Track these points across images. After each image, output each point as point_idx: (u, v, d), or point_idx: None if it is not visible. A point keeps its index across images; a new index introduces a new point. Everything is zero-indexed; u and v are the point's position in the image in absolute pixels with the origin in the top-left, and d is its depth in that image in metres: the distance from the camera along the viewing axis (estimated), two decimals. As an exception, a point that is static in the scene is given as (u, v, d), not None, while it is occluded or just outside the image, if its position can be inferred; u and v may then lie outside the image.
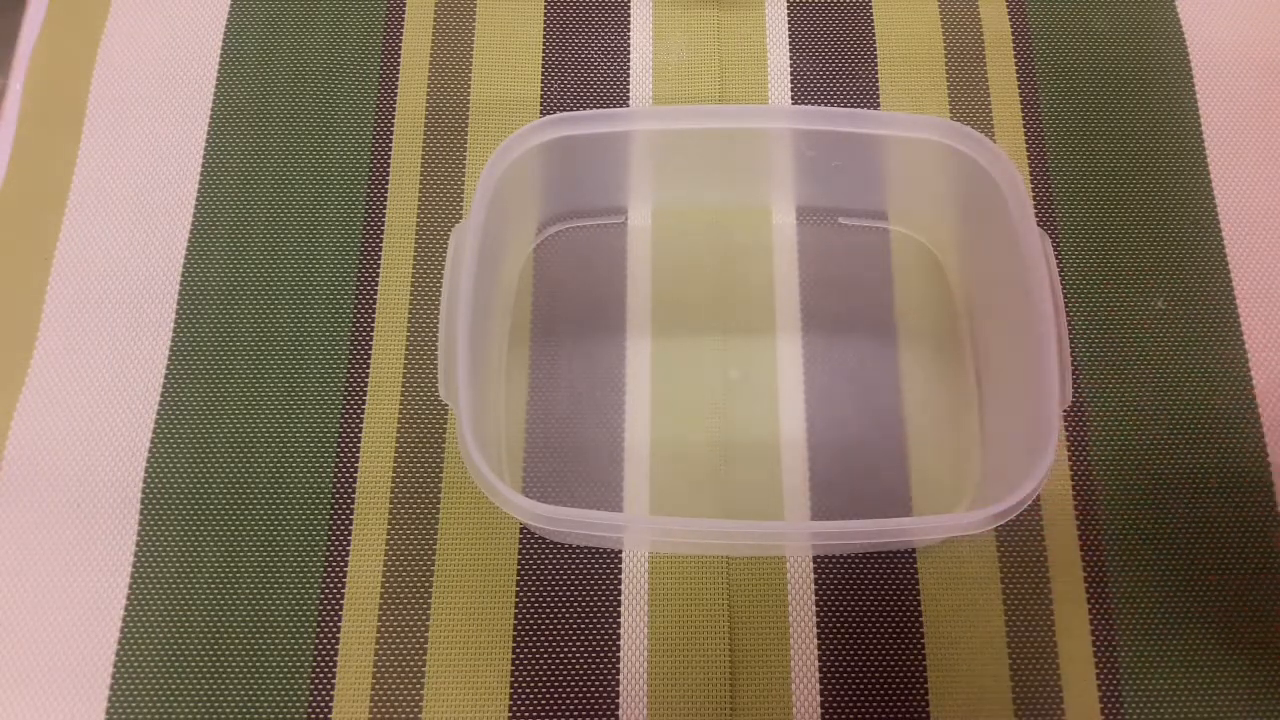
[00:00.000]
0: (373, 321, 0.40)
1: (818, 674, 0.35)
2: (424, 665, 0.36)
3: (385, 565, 0.37)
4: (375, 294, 0.40)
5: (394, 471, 0.38)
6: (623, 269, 0.41)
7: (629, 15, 0.45)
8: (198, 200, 0.42)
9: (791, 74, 0.44)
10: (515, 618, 0.36)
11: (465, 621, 0.36)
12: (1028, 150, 0.42)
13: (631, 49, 0.44)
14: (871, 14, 0.45)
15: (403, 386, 0.39)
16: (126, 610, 0.36)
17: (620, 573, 0.37)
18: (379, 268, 0.41)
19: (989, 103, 0.43)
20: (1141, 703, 0.35)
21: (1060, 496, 0.37)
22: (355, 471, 0.38)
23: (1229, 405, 0.39)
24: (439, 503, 0.37)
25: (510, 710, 0.35)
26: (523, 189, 0.37)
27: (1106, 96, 0.43)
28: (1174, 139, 0.43)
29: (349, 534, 0.37)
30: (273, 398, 0.39)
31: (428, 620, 0.36)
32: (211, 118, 0.43)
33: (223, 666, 0.35)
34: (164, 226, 0.41)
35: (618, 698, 0.35)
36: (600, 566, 0.37)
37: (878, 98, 0.43)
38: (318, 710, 0.35)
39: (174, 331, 0.40)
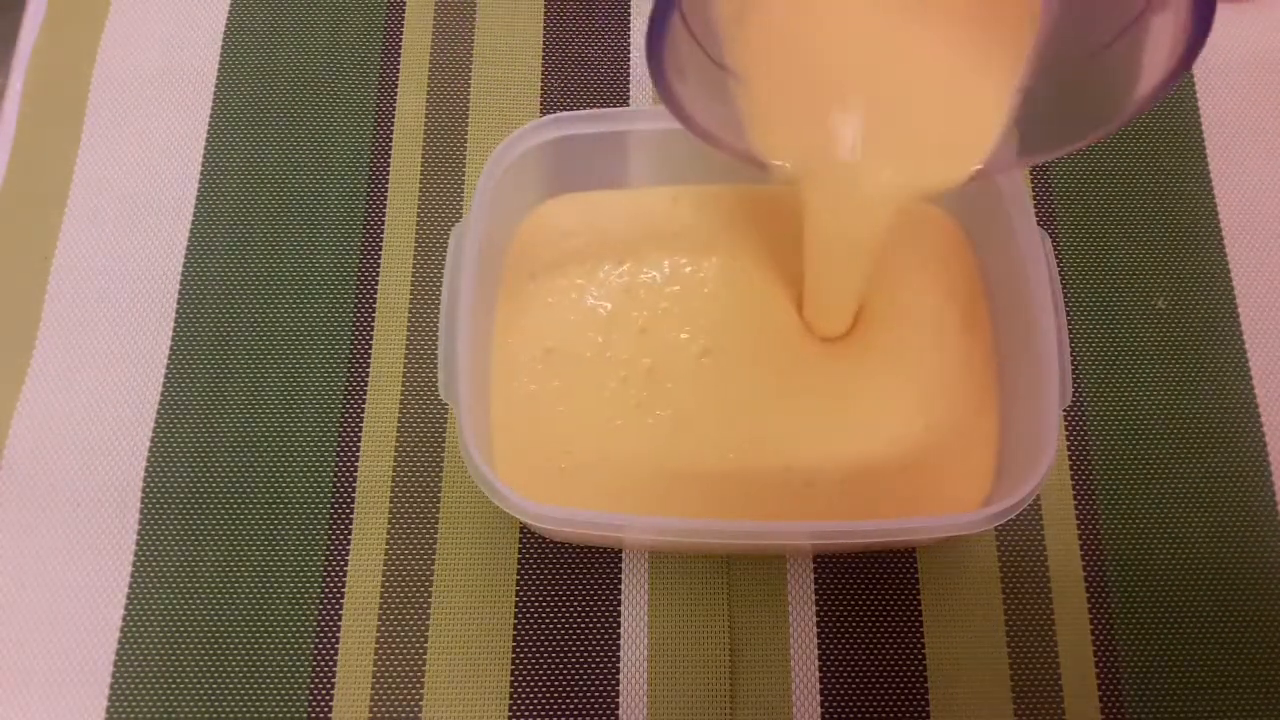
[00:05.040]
0: (373, 322, 0.40)
1: (818, 674, 0.35)
2: (424, 665, 0.36)
3: (385, 565, 0.37)
4: (375, 293, 0.40)
5: (394, 471, 0.38)
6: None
7: (629, 15, 0.45)
8: (198, 199, 0.42)
9: (791, 74, 0.44)
10: (515, 617, 0.36)
11: (465, 621, 0.36)
12: (1028, 150, 0.42)
13: (631, 49, 0.44)
14: (871, 14, 0.45)
15: (403, 386, 0.39)
16: (126, 610, 0.36)
17: (620, 573, 0.37)
18: (379, 267, 0.41)
19: (989, 102, 0.43)
20: (1141, 703, 0.35)
21: (1060, 496, 0.37)
22: (355, 471, 0.38)
23: (1229, 405, 0.39)
24: (439, 503, 0.37)
25: (510, 710, 0.35)
26: (522, 188, 0.37)
27: (1106, 96, 0.43)
28: (1174, 138, 0.42)
29: (349, 533, 0.37)
30: (273, 397, 0.39)
31: (428, 620, 0.36)
32: (211, 117, 0.43)
33: (223, 666, 0.35)
34: (164, 226, 0.41)
35: (618, 697, 0.35)
36: (600, 566, 0.37)
37: (878, 97, 0.43)
38: (318, 710, 0.35)
39: (174, 331, 0.40)
